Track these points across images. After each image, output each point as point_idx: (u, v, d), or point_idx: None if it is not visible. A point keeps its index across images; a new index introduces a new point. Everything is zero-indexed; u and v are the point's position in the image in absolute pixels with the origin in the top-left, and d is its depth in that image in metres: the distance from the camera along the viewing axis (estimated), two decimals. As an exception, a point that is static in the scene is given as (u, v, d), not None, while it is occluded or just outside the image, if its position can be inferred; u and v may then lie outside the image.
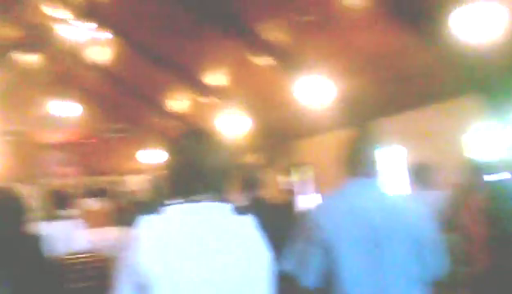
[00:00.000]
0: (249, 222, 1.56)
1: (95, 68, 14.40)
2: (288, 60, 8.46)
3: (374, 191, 2.16)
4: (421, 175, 4.49)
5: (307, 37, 7.78)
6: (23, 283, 2.44)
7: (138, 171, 17.03)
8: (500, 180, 3.67)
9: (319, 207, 2.19)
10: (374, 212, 2.06)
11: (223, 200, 1.54)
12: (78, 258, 8.35)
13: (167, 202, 1.49)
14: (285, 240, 2.17)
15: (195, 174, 1.49)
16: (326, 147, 11.23)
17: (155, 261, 1.36)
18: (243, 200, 3.15)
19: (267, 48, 8.43)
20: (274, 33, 8.06)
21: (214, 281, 1.39)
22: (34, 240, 3.47)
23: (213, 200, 1.50)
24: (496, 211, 3.40)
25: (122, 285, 1.39)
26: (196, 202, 1.47)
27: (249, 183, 3.05)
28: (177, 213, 1.45)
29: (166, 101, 14.14)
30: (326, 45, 7.63)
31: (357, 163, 2.20)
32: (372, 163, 2.20)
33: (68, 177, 17.35)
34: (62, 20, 11.05)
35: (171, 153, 1.57)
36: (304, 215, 2.21)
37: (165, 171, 1.57)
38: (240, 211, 1.57)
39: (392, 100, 8.22)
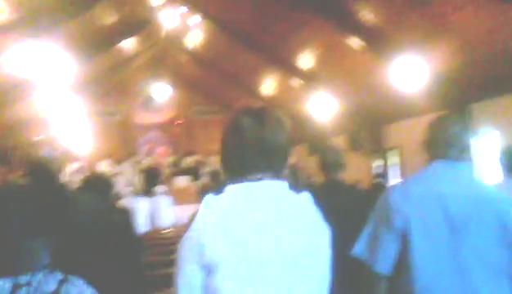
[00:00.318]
0: (307, 199, 1.52)
1: (187, 51, 14.87)
2: (380, 40, 8.17)
3: (458, 176, 1.99)
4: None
5: (402, 17, 7.48)
6: (110, 253, 2.54)
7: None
8: None
9: (396, 190, 2.03)
10: (454, 198, 1.91)
11: (282, 178, 1.50)
12: (166, 233, 8.79)
13: (229, 181, 1.47)
14: (360, 224, 2.10)
15: (255, 152, 1.46)
16: (417, 132, 10.81)
17: (220, 241, 1.36)
18: (320, 181, 3.12)
19: (359, 29, 8.17)
20: (367, 12, 7.82)
21: (277, 258, 1.38)
22: (123, 214, 3.73)
23: (273, 178, 1.47)
24: None
25: (187, 265, 1.39)
26: (256, 180, 1.45)
27: (329, 164, 2.99)
28: (239, 192, 1.44)
29: (256, 83, 14.31)
30: (421, 25, 7.28)
31: (441, 145, 2.04)
32: (460, 147, 2.03)
33: (160, 156, 18.20)
34: (156, 6, 11.51)
35: (230, 130, 1.53)
36: (382, 197, 2.06)
37: (223, 149, 1.55)
38: (314, 191, 1.55)
39: (489, 82, 7.72)
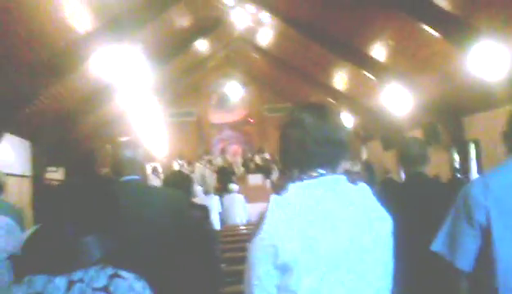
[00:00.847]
0: (367, 190, 1.53)
1: (258, 50, 15.05)
2: (457, 28, 7.83)
3: None
4: None
5: (479, 2, 7.15)
6: (189, 247, 2.55)
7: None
8: None
9: (476, 183, 1.92)
10: None
11: (341, 173, 1.51)
12: (239, 230, 8.99)
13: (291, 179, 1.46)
14: (438, 219, 2.03)
15: (316, 148, 1.47)
16: (496, 123, 10.33)
17: (293, 240, 1.36)
18: (403, 175, 3.05)
19: (434, 16, 7.89)
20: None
21: (348, 251, 1.40)
22: (202, 210, 3.85)
23: (333, 173, 1.49)
24: None
25: (261, 266, 1.39)
26: (318, 176, 1.47)
27: (413, 157, 2.91)
28: (304, 189, 1.45)
29: (328, 79, 14.17)
30: (501, 8, 6.92)
31: None
32: None
33: (233, 155, 18.56)
34: (228, 6, 11.76)
35: (291, 126, 1.53)
36: (461, 192, 1.97)
37: (283, 145, 1.55)
38: (396, 185, 1.55)
39: None
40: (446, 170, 11.25)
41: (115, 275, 1.46)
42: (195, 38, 12.10)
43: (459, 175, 11.05)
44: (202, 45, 13.56)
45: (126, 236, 1.68)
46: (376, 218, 1.50)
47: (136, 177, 2.43)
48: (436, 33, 8.26)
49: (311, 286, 1.37)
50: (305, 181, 1.48)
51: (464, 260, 1.89)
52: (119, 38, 7.56)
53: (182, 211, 2.65)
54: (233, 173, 16.59)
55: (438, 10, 7.77)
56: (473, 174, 11.31)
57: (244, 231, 8.72)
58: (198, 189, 10.47)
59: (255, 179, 15.82)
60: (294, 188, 1.47)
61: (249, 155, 18.14)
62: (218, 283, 3.77)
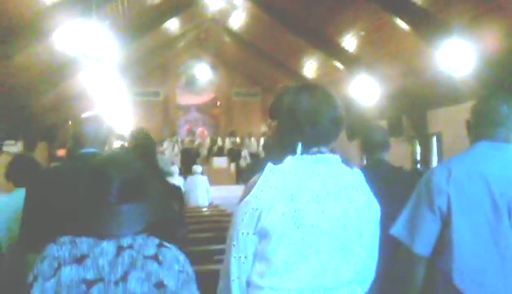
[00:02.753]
0: (360, 174, 1.56)
1: (230, 33, 14.90)
2: (427, 23, 7.94)
3: (505, 157, 1.92)
4: None
5: (450, -1, 7.28)
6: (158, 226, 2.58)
7: (265, 134, 17.54)
8: None
9: (438, 170, 1.96)
10: (498, 180, 1.84)
11: (334, 152, 1.54)
12: (201, 211, 8.97)
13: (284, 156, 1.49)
14: (402, 205, 2.06)
15: (313, 127, 1.49)
16: (459, 118, 10.56)
17: (276, 208, 1.39)
18: (365, 160, 3.08)
19: (405, 10, 7.97)
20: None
21: (331, 228, 1.42)
22: (176, 189, 3.80)
23: (326, 152, 1.52)
24: None
25: (242, 228, 1.43)
26: (314, 153, 1.50)
27: (375, 144, 2.94)
28: (298, 163, 1.47)
29: (298, 66, 14.20)
30: (470, 7, 7.06)
31: (488, 125, 1.96)
32: (508, 127, 1.94)
33: (199, 137, 18.45)
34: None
35: (288, 107, 1.54)
36: (424, 177, 2.01)
37: (278, 123, 1.57)
38: (361, 169, 1.57)
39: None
40: (408, 162, 11.50)
41: (162, 245, 1.47)
42: (167, 17, 11.86)
43: (419, 167, 11.33)
44: (173, 24, 13.31)
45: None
46: (365, 202, 1.52)
47: (95, 150, 2.39)
48: (406, 27, 8.36)
49: (287, 256, 1.39)
50: (301, 156, 1.49)
51: (423, 245, 1.92)
52: (87, 13, 7.33)
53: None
54: (198, 155, 16.51)
55: (410, 3, 7.86)
56: (434, 165, 11.60)
57: (207, 213, 8.69)
58: (174, 169, 10.41)
59: (220, 162, 15.79)
60: (291, 160, 1.49)
61: (216, 138, 18.07)
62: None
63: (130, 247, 1.43)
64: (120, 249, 1.42)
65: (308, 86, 1.60)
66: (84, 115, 2.51)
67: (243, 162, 16.40)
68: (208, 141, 17.76)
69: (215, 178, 12.74)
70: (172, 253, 1.46)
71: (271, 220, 1.38)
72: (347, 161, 1.58)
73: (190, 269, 1.49)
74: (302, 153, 1.49)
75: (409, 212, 2.00)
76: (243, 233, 1.43)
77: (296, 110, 1.51)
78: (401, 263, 2.01)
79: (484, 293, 1.82)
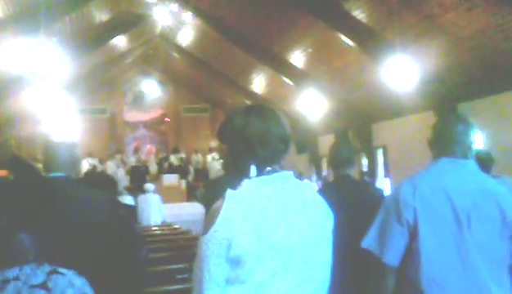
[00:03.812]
0: (312, 187, 1.61)
1: (178, 49, 14.87)
2: (372, 40, 8.30)
3: (463, 172, 2.09)
4: (483, 162, 4.19)
5: (393, 17, 7.58)
6: (115, 247, 2.54)
7: (214, 150, 17.54)
8: None
9: (404, 185, 2.09)
10: (459, 193, 2.01)
11: (284, 168, 1.57)
12: (153, 231, 8.82)
13: (244, 176, 1.50)
14: (369, 217, 2.16)
15: (264, 147, 1.53)
16: (403, 131, 11.20)
17: (247, 234, 1.40)
18: (330, 176, 3.20)
19: (351, 28, 8.27)
20: (359, 12, 7.93)
21: (299, 245, 1.46)
22: (128, 209, 3.78)
23: (280, 170, 1.55)
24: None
25: (213, 259, 1.42)
26: (269, 173, 1.52)
27: (342, 160, 3.06)
28: (257, 185, 1.49)
29: (247, 82, 14.36)
30: (412, 25, 7.42)
31: (447, 143, 2.13)
32: (465, 144, 2.12)
33: (147, 154, 18.20)
34: (150, 3, 11.53)
35: (238, 128, 1.57)
36: (392, 192, 2.16)
37: (233, 147, 1.59)
38: (327, 186, 1.66)
39: (476, 83, 7.92)
40: (355, 174, 11.82)
41: (54, 272, 1.42)
42: (115, 34, 11.72)
43: (367, 179, 11.71)
44: (120, 40, 13.16)
45: (59, 234, 1.63)
46: (322, 214, 1.58)
47: (62, 174, 2.37)
48: (352, 44, 8.70)
49: (262, 278, 1.41)
50: (258, 178, 1.52)
51: (392, 256, 2.04)
52: (34, 30, 7.17)
53: (108, 209, 2.60)
54: (147, 173, 16.27)
55: (355, 21, 8.19)
56: (380, 178, 12.06)
57: (161, 232, 8.57)
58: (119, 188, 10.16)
59: (170, 179, 15.62)
60: (248, 183, 1.51)
61: (164, 155, 17.89)
62: (142, 285, 3.71)
63: (16, 278, 1.38)
64: (5, 282, 1.37)
65: (256, 108, 1.64)
66: (56, 139, 2.49)
67: (189, 178, 16.35)
68: (155, 158, 17.57)
69: (166, 195, 12.61)
70: (66, 279, 1.43)
71: (242, 248, 1.40)
72: (299, 175, 1.63)
73: (90, 293, 1.47)
74: (257, 175, 1.52)
75: (378, 226, 2.12)
76: (215, 264, 1.43)
77: (246, 133, 1.55)
78: (372, 274, 2.13)
79: None
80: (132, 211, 3.69)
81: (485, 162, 4.02)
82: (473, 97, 8.19)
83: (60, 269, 1.44)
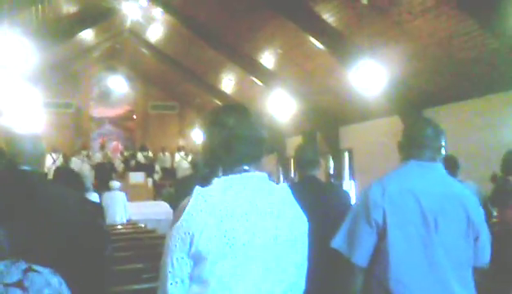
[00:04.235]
0: (287, 190, 1.62)
1: (147, 45, 14.69)
2: (341, 44, 8.39)
3: (431, 175, 2.15)
4: (450, 166, 4.35)
5: (362, 23, 7.69)
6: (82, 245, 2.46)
7: (183, 149, 17.40)
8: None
9: (374, 186, 2.14)
10: (427, 195, 2.06)
11: (261, 170, 1.59)
12: (118, 229, 8.67)
13: (214, 175, 1.55)
14: (338, 218, 2.19)
15: (241, 146, 1.54)
16: (368, 134, 11.38)
17: (209, 231, 1.40)
18: (297, 178, 3.22)
19: (321, 31, 8.34)
20: (329, 16, 8.00)
21: (263, 247, 1.45)
22: (95, 206, 3.72)
23: (256, 170, 1.56)
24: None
25: (176, 254, 1.43)
26: (241, 172, 1.53)
27: (308, 162, 3.10)
28: (227, 184, 1.50)
29: (216, 81, 14.31)
30: (381, 31, 7.54)
31: (416, 146, 2.18)
32: (433, 148, 2.18)
33: (113, 151, 17.88)
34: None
35: (215, 126, 1.59)
36: (361, 194, 2.19)
37: (205, 144, 1.61)
38: (293, 186, 1.66)
39: (442, 89, 8.12)
40: (322, 176, 11.96)
41: (29, 269, 1.38)
42: (83, 27, 11.48)
43: (333, 181, 11.85)
44: (88, 34, 12.90)
45: (34, 230, 1.58)
46: (295, 217, 1.58)
47: (29, 168, 2.30)
48: (322, 47, 8.78)
49: (223, 276, 1.41)
50: (229, 177, 1.53)
51: (361, 256, 2.08)
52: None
53: (78, 207, 2.55)
54: (114, 170, 16.00)
55: (325, 25, 8.27)
56: (346, 180, 12.23)
57: (123, 231, 8.43)
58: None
59: (137, 177, 15.38)
60: (218, 182, 1.52)
61: (131, 152, 17.63)
62: (108, 283, 3.65)
63: None
64: None
65: (234, 107, 1.66)
66: (21, 132, 2.41)
67: (156, 177, 16.15)
68: (121, 156, 17.30)
69: (132, 194, 12.43)
70: (43, 278, 1.39)
71: (203, 243, 1.41)
72: (271, 177, 1.63)
73: (66, 292, 1.45)
74: (227, 174, 1.54)
75: (348, 226, 2.15)
76: (177, 259, 1.44)
77: (221, 131, 1.57)
78: (340, 273, 2.16)
79: None
80: (100, 208, 3.63)
81: (451, 167, 4.16)
82: (439, 103, 8.40)
83: (36, 267, 1.39)
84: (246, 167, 1.55)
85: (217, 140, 1.57)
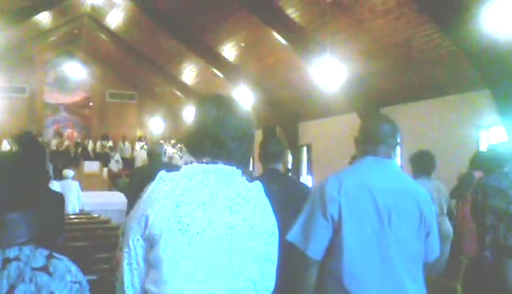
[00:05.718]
0: (259, 188, 1.60)
1: (107, 31, 14.34)
2: (303, 40, 8.45)
3: (386, 171, 2.17)
4: (419, 163, 4.45)
5: (325, 20, 7.75)
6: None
7: (141, 139, 17.14)
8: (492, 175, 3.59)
9: (330, 181, 2.14)
10: (381, 191, 2.09)
11: (237, 165, 1.56)
12: (71, 219, 8.45)
13: (181, 163, 1.54)
14: (295, 212, 2.20)
15: (213, 137, 1.52)
16: (327, 130, 11.53)
17: (164, 214, 1.40)
18: (261, 170, 3.22)
19: (284, 26, 8.38)
20: (293, 11, 8.03)
21: (218, 236, 1.45)
22: (57, 197, 3.61)
23: (227, 163, 1.53)
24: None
25: (133, 235, 1.43)
26: (211, 163, 1.51)
27: (272, 155, 3.11)
28: (193, 171, 1.49)
29: (177, 71, 14.15)
30: (343, 28, 7.64)
31: (372, 143, 2.21)
32: (389, 145, 2.22)
33: (68, 139, 17.41)
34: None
35: (200, 116, 1.56)
36: (317, 187, 2.20)
37: (187, 132, 1.60)
38: (256, 179, 1.65)
39: (400, 88, 8.31)
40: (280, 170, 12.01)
41: (52, 256, 1.37)
42: (40, 9, 11.07)
43: (291, 175, 11.94)
44: (44, 16, 12.46)
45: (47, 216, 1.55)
46: (260, 215, 1.56)
47: None
48: (284, 42, 8.81)
49: (175, 263, 1.40)
50: (197, 165, 1.52)
51: (315, 250, 2.08)
52: None
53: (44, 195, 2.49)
54: (68, 158, 15.60)
55: (289, 20, 8.31)
56: (304, 175, 12.36)
57: (76, 220, 8.22)
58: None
59: (92, 166, 15.04)
60: (185, 168, 1.51)
61: (87, 141, 17.22)
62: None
63: (16, 258, 1.33)
64: (6, 261, 1.32)
65: (218, 98, 1.63)
66: None
67: (114, 166, 15.84)
68: (77, 143, 16.89)
69: (87, 183, 12.15)
70: (64, 264, 1.39)
71: (157, 226, 1.40)
72: (247, 174, 1.62)
73: (83, 280, 1.43)
74: (199, 162, 1.52)
75: (304, 219, 2.15)
76: (133, 240, 1.44)
77: (197, 121, 1.56)
78: (294, 267, 2.14)
79: (368, 292, 2.03)
80: (61, 196, 3.52)
81: (429, 162, 4.29)
82: (396, 102, 8.59)
83: (56, 254, 1.38)
84: (216, 160, 1.53)
85: (203, 130, 1.54)
